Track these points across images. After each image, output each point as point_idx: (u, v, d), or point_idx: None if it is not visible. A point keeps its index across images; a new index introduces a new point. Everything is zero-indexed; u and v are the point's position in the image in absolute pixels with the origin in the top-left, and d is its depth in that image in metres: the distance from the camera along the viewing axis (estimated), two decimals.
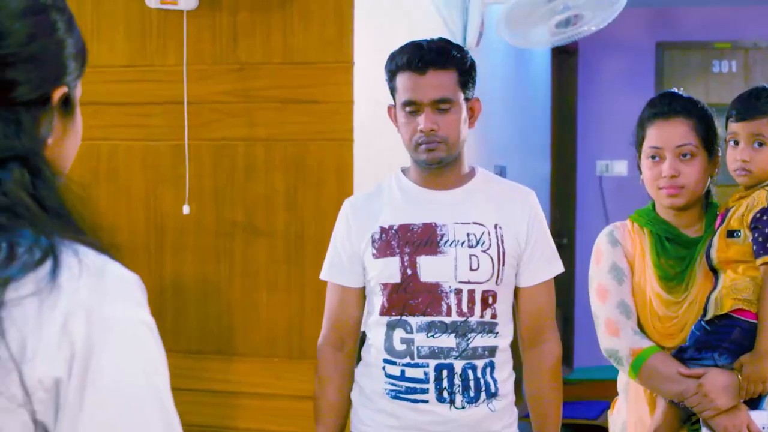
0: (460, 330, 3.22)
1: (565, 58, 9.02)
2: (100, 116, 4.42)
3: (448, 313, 3.21)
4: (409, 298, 3.23)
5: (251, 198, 4.30)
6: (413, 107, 3.24)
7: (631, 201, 9.34)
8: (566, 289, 8.63)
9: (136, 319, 1.44)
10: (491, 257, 3.24)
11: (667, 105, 3.32)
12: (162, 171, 4.39)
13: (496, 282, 3.26)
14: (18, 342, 1.32)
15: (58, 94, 1.52)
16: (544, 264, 3.36)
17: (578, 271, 8.57)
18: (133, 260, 4.36)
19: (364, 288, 3.38)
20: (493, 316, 3.26)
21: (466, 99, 3.28)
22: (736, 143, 3.23)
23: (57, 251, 1.39)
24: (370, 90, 4.25)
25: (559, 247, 3.77)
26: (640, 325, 3.31)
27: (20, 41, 1.47)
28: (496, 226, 3.28)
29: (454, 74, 3.23)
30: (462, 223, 3.26)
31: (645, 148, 3.34)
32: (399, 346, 3.25)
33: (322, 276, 3.45)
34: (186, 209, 4.31)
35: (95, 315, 1.37)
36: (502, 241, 3.27)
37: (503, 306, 3.29)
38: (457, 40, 5.34)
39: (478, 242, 3.25)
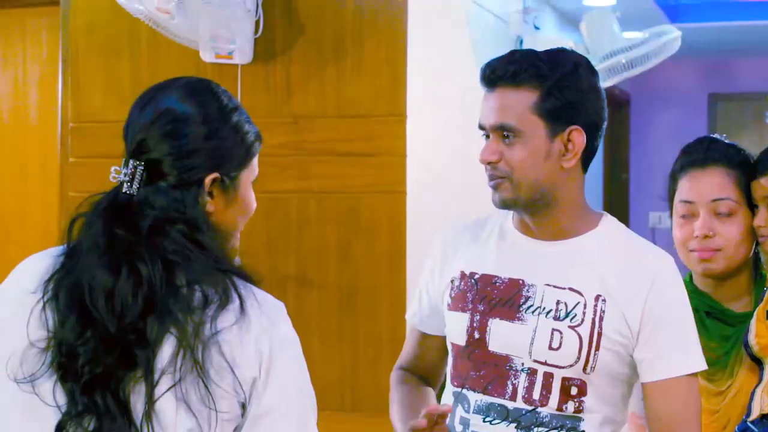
0: (524, 421, 2.47)
1: (617, 108, 9.01)
2: None
3: (513, 397, 2.48)
4: (471, 368, 2.54)
5: (304, 250, 4.30)
6: (484, 132, 2.54)
7: None
8: None
9: (294, 335, 2.08)
10: (580, 336, 2.45)
11: (703, 152, 2.80)
12: None
13: (585, 369, 2.45)
14: (230, 355, 1.94)
15: (209, 180, 2.03)
16: (668, 355, 2.47)
17: None
18: None
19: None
20: (578, 410, 2.47)
21: (554, 128, 2.47)
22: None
23: (238, 289, 2.00)
24: (423, 142, 4.26)
25: None
26: None
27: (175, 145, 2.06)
28: (597, 298, 2.47)
29: (530, 95, 2.45)
30: (555, 287, 2.50)
31: (676, 202, 2.82)
32: (457, 427, 2.56)
33: (406, 315, 2.84)
34: (237, 261, 4.31)
35: (274, 335, 2.02)
36: (601, 319, 2.45)
37: (597, 400, 2.48)
38: None
39: (567, 315, 2.47)
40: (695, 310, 2.60)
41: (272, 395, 1.98)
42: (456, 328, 2.57)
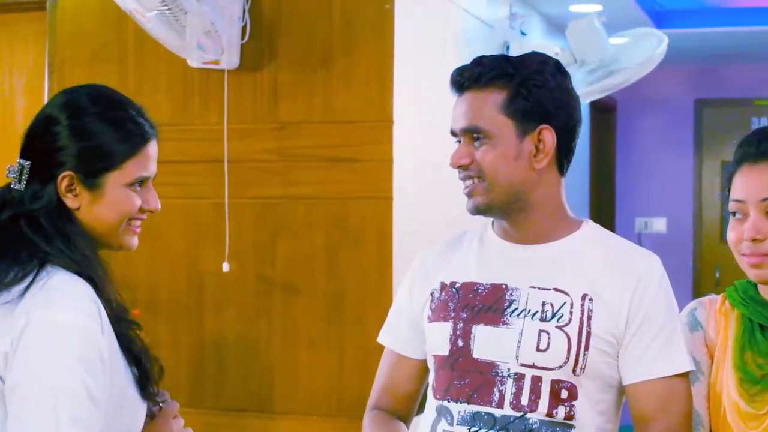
0: (513, 429, 2.37)
1: (604, 115, 9.03)
2: None
3: (500, 404, 2.38)
4: (455, 377, 2.45)
5: (291, 256, 4.30)
6: (456, 138, 2.51)
7: (670, 259, 9.31)
8: None
9: (68, 324, 2.06)
10: (568, 337, 2.38)
11: (755, 146, 2.45)
12: (202, 229, 4.42)
13: (574, 371, 2.37)
14: None
15: (61, 178, 2.19)
16: (654, 355, 2.40)
17: None
18: (173, 317, 4.40)
19: (425, 360, 2.61)
20: (569, 416, 2.37)
21: (524, 128, 2.43)
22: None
23: (39, 275, 2.10)
24: (411, 148, 4.27)
25: None
26: None
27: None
28: (584, 297, 2.40)
29: (497, 95, 2.42)
30: (539, 288, 2.43)
31: (729, 201, 2.49)
32: None
33: (379, 338, 2.74)
34: (226, 267, 4.32)
35: (38, 315, 2.06)
36: (589, 318, 2.38)
37: (588, 406, 2.40)
38: None
39: (554, 315, 2.40)
40: (749, 321, 2.45)
41: (18, 371, 2.04)
42: (438, 339, 2.49)
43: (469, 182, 2.46)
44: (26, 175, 2.20)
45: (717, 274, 8.91)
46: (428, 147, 4.42)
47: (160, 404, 2.30)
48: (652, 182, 9.19)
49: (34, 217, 2.18)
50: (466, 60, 2.54)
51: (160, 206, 2.35)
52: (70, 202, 2.20)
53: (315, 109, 4.28)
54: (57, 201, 2.19)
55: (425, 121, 4.43)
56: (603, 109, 8.81)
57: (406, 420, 2.67)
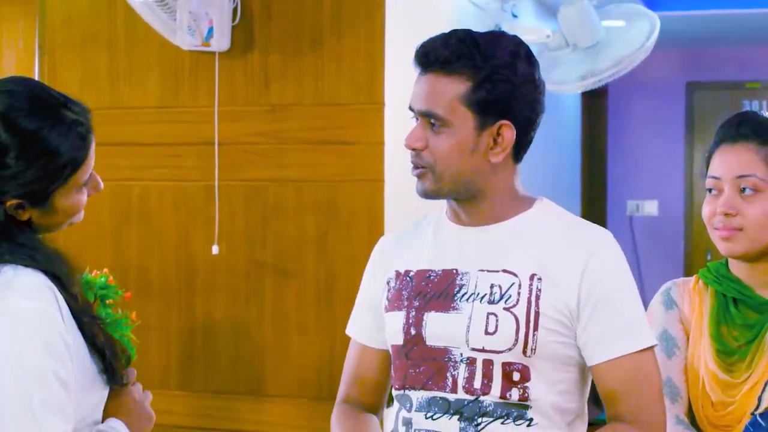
0: (467, 412, 2.34)
1: (595, 98, 9.02)
2: (132, 157, 4.45)
3: (453, 389, 2.36)
4: (410, 366, 2.42)
5: (282, 239, 4.30)
6: (413, 115, 2.44)
7: (661, 242, 9.35)
8: None
9: (14, 312, 2.04)
10: (516, 318, 2.33)
11: (734, 127, 2.61)
12: (193, 212, 4.41)
13: (525, 352, 2.32)
14: None
15: (9, 206, 2.14)
16: (615, 334, 2.34)
17: None
18: (163, 300, 4.39)
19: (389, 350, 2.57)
20: (523, 398, 2.33)
21: (483, 122, 2.36)
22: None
23: None
24: (401, 131, 4.24)
25: None
26: (691, 412, 2.60)
27: None
28: (532, 278, 2.34)
29: (460, 85, 2.34)
30: (488, 271, 2.38)
31: (707, 178, 2.64)
32: (400, 429, 2.44)
33: (347, 329, 2.71)
34: (215, 249, 4.32)
35: None
36: (537, 298, 2.33)
37: (544, 387, 2.35)
38: None
39: (501, 297, 2.35)
40: (722, 296, 2.59)
41: None
42: (393, 328, 2.46)
43: (419, 168, 2.41)
44: None
45: (708, 257, 8.92)
46: None
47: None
48: (643, 165, 9.20)
49: None
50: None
51: (103, 185, 2.29)
52: (21, 216, 2.17)
53: (306, 91, 4.27)
54: (5, 217, 2.14)
55: None
56: (594, 92, 8.79)
57: (377, 411, 2.63)
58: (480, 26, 5.38)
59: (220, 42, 4.26)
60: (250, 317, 4.34)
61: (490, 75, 2.33)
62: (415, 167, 2.41)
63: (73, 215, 2.24)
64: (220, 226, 4.35)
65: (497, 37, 2.40)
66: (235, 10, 4.29)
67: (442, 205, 2.53)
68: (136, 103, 4.47)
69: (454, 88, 2.34)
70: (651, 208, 9.15)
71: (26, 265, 2.11)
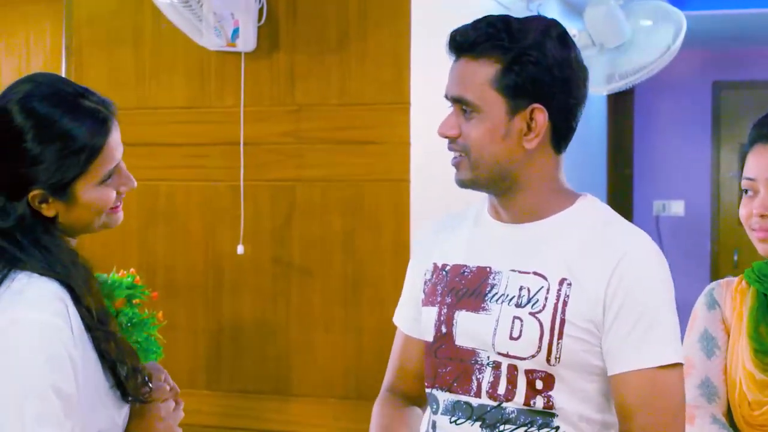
0: (489, 419, 2.27)
1: (621, 98, 9.00)
2: (158, 157, 4.46)
3: (477, 394, 2.29)
4: (439, 365, 2.36)
5: (307, 239, 4.30)
6: (450, 104, 2.39)
7: (688, 241, 9.31)
8: None
9: (20, 322, 2.04)
10: (541, 324, 2.23)
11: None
12: (219, 211, 4.42)
13: (548, 360, 2.22)
14: None
15: (32, 196, 2.14)
16: (635, 345, 2.20)
17: None
18: (190, 299, 4.40)
19: None
20: (548, 406, 2.24)
21: (515, 106, 2.26)
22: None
23: (9, 279, 2.09)
24: (427, 130, 4.26)
25: None
26: (730, 413, 2.56)
27: None
28: (562, 282, 2.24)
29: (489, 68, 2.27)
30: (519, 272, 2.29)
31: (742, 179, 2.57)
32: (429, 431, 2.40)
33: (394, 317, 2.64)
34: (240, 249, 4.33)
35: None
36: (564, 304, 2.22)
37: (569, 395, 2.25)
38: None
39: (529, 300, 2.25)
40: (763, 296, 2.53)
41: None
42: (426, 324, 2.40)
43: (456, 155, 2.34)
44: None
45: (735, 257, 8.89)
46: None
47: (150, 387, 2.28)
48: (669, 165, 9.17)
49: (7, 232, 2.15)
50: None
51: (136, 183, 2.28)
52: (46, 211, 2.17)
53: (331, 91, 4.27)
54: (30, 213, 2.15)
55: (442, 103, 4.41)
56: (620, 92, 8.77)
57: (421, 400, 2.54)
58: None
59: (246, 42, 4.26)
60: (276, 317, 4.35)
61: (519, 56, 2.24)
62: (453, 155, 2.34)
63: (99, 212, 2.21)
64: (245, 226, 4.35)
65: (530, 19, 2.32)
66: (260, 11, 4.29)
67: (476, 199, 2.47)
68: (162, 104, 4.48)
69: (483, 71, 2.27)
70: (677, 208, 9.11)
71: (42, 274, 2.11)
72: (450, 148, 2.34)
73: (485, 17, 2.30)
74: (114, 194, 2.22)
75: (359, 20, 4.23)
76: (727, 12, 7.68)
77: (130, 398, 2.20)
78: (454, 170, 2.36)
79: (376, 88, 4.21)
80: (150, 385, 2.28)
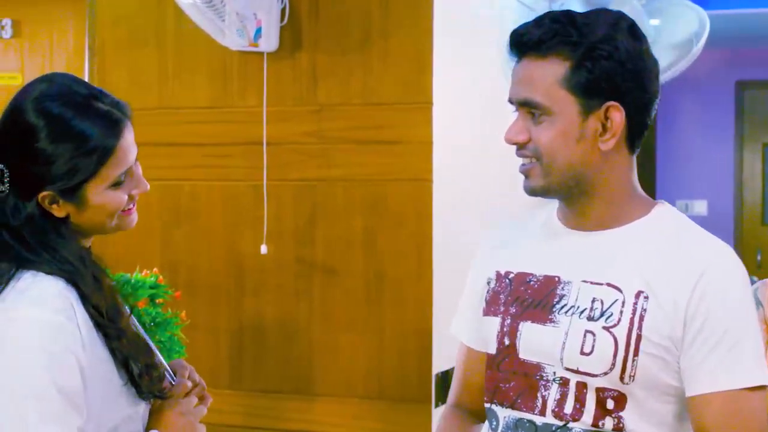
0: None
1: None
2: (180, 157, 4.47)
3: (542, 412, 2.15)
4: (501, 379, 2.23)
5: (330, 239, 4.30)
6: (513, 108, 2.22)
7: None
8: None
9: (22, 322, 2.04)
10: (615, 339, 2.09)
11: None
12: (241, 211, 4.42)
13: (622, 378, 2.09)
14: None
15: (41, 197, 2.14)
16: (715, 365, 2.07)
17: None
18: (212, 299, 4.41)
19: None
20: (618, 428, 2.11)
21: (588, 105, 2.13)
22: None
23: (15, 278, 2.09)
24: (450, 130, 4.25)
25: None
26: None
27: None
28: (638, 295, 2.10)
29: (558, 67, 2.13)
30: (591, 283, 2.16)
31: None
32: None
33: (451, 327, 2.51)
34: (264, 249, 4.33)
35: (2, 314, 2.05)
36: (641, 319, 2.09)
37: (640, 417, 2.12)
38: None
39: (602, 314, 2.11)
40: None
41: None
42: (488, 336, 2.27)
43: (525, 161, 2.19)
44: (7, 178, 2.15)
45: (759, 257, 8.86)
46: (468, 128, 4.41)
47: (172, 383, 2.28)
48: (692, 165, 9.15)
49: (16, 230, 2.15)
50: (504, 42, 2.38)
51: (148, 187, 2.27)
52: (56, 212, 2.17)
53: (354, 91, 4.27)
54: (40, 213, 2.15)
55: (465, 102, 4.42)
56: None
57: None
58: None
59: (269, 42, 4.27)
60: (298, 316, 4.35)
61: (589, 52, 2.11)
62: (522, 162, 2.20)
63: (110, 215, 2.20)
64: (268, 226, 4.35)
65: (595, 12, 2.18)
66: (283, 11, 4.29)
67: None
68: (184, 104, 4.49)
69: (551, 71, 2.13)
70: (700, 207, 9.09)
71: (48, 273, 2.11)
72: (519, 155, 2.20)
73: (547, 13, 2.18)
74: (125, 197, 2.21)
75: (382, 20, 4.23)
76: (750, 11, 7.66)
77: (143, 396, 2.19)
78: (522, 177, 2.23)
79: (398, 88, 4.20)
80: (172, 381, 2.28)
